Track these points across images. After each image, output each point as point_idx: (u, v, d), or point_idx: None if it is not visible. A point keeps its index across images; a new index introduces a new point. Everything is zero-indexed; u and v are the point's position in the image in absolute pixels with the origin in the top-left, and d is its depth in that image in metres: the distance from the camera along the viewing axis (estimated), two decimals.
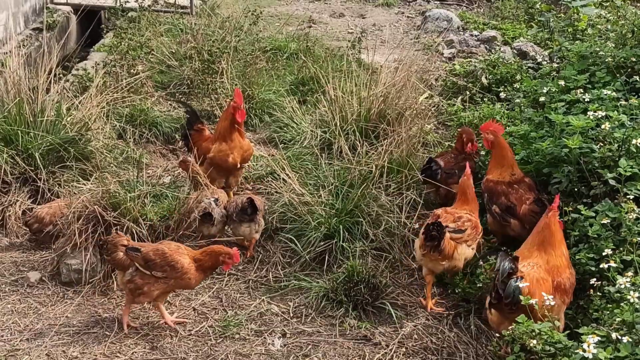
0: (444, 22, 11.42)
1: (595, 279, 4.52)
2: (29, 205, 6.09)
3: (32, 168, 6.15)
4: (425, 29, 11.39)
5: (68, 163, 6.29)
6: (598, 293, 4.43)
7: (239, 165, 6.24)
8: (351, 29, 11.38)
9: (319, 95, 7.58)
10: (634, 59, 6.63)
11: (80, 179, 6.13)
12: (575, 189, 5.39)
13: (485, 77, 8.47)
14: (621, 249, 4.64)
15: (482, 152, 6.25)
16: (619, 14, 8.28)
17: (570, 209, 5.07)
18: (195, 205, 5.68)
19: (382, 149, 6.15)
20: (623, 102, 5.95)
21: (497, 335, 4.49)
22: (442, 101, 8.16)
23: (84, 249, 5.33)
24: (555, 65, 7.94)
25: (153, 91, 8.00)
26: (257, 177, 6.82)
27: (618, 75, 6.54)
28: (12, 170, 6.12)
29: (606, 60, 6.68)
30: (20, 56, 6.78)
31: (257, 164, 6.98)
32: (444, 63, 9.73)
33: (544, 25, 9.35)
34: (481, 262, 5.30)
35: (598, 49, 6.94)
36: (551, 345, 3.93)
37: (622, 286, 4.09)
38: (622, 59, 6.69)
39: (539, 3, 11.02)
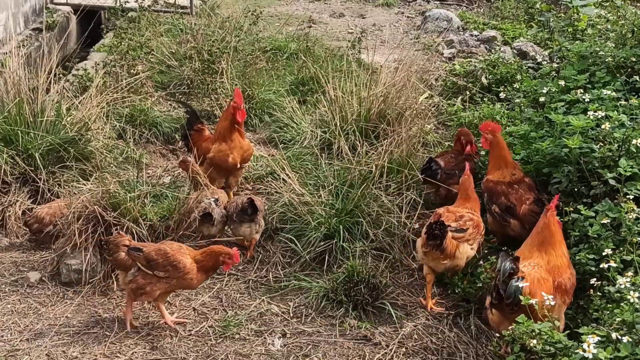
0: (444, 22, 11.42)
1: (595, 279, 4.52)
2: (29, 205, 6.09)
3: (32, 168, 6.15)
4: (425, 29, 11.39)
5: (68, 163, 6.29)
6: (598, 293, 4.43)
7: (238, 166, 6.24)
8: (351, 29, 11.39)
9: (319, 95, 7.58)
10: (634, 59, 6.63)
11: (80, 179, 6.12)
12: (575, 189, 5.39)
13: (485, 77, 8.47)
14: (621, 248, 4.64)
15: (482, 153, 6.24)
16: (619, 14, 8.28)
17: (571, 209, 5.07)
18: (195, 206, 5.68)
19: (382, 149, 6.14)
20: (623, 102, 5.95)
21: (497, 335, 4.49)
22: (442, 101, 8.16)
23: (84, 249, 5.33)
24: (555, 65, 7.94)
25: (153, 91, 7.99)
26: (257, 177, 6.83)
27: (618, 75, 6.54)
28: (12, 171, 6.12)
29: (606, 60, 6.68)
30: (20, 56, 6.79)
31: (257, 164, 6.98)
32: (444, 63, 9.73)
33: (544, 25, 9.35)
34: (482, 262, 5.30)
35: (598, 49, 6.94)
36: (551, 345, 3.93)
37: (622, 286, 4.08)
38: (622, 59, 6.69)
39: (539, 3, 11.02)
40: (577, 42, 7.74)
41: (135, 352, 4.72)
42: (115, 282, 5.32)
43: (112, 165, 6.57)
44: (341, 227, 5.62)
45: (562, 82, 6.57)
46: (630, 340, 3.73)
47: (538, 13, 10.77)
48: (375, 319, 5.12)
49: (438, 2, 13.47)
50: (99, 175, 5.96)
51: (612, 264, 4.44)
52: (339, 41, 10.38)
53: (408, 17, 12.55)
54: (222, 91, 7.96)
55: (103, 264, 5.35)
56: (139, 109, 7.43)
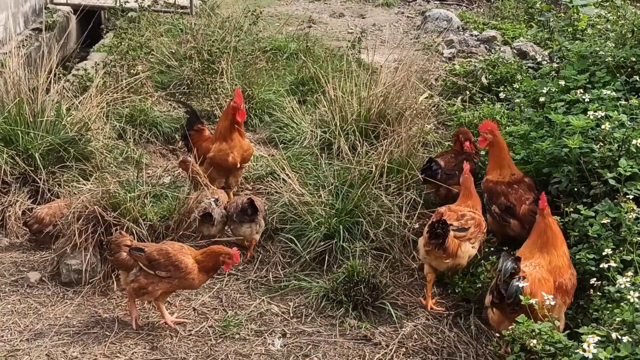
0: (444, 22, 11.42)
1: (595, 279, 4.52)
2: (29, 205, 6.09)
3: (32, 168, 6.15)
4: (425, 29, 11.39)
5: (68, 163, 6.29)
6: (598, 293, 4.43)
7: (239, 165, 6.24)
8: (351, 29, 11.39)
9: (319, 95, 7.58)
10: (634, 59, 6.63)
11: (80, 179, 6.12)
12: (575, 189, 5.39)
13: (485, 77, 8.47)
14: (621, 248, 4.64)
15: (482, 152, 6.25)
16: (618, 13, 8.28)
17: (571, 209, 5.07)
18: (195, 206, 5.68)
19: (382, 149, 6.14)
20: (623, 102, 5.95)
21: (497, 334, 4.49)
22: (442, 101, 8.16)
23: (84, 249, 5.33)
24: (555, 65, 7.94)
25: (153, 91, 7.99)
26: (257, 177, 6.83)
27: (618, 75, 6.53)
28: (12, 171, 6.12)
29: (606, 60, 6.68)
30: (20, 56, 6.78)
31: (257, 164, 6.98)
32: (444, 63, 9.74)
33: (544, 25, 9.36)
34: (483, 262, 5.31)
35: (598, 49, 6.94)
36: (551, 345, 3.93)
37: (622, 286, 4.08)
38: (622, 59, 6.69)
39: (539, 3, 11.03)
40: (577, 42, 7.74)
41: (135, 352, 4.72)
42: (115, 282, 5.32)
43: (112, 165, 6.57)
44: (341, 227, 5.62)
45: (562, 82, 6.57)
46: (630, 340, 3.73)
47: (538, 13, 10.77)
48: (375, 319, 5.12)
49: (438, 2, 13.47)
50: (99, 175, 5.96)
51: (612, 263, 4.43)
52: (339, 41, 10.38)
53: (408, 17, 12.56)
54: (222, 91, 7.96)
55: (103, 264, 5.35)
56: (139, 109, 7.43)
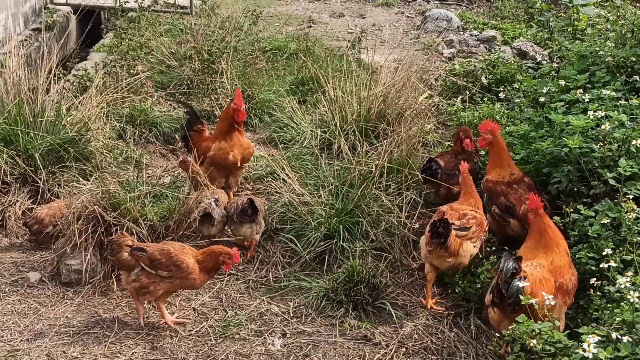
0: (444, 22, 11.42)
1: (595, 279, 4.52)
2: (29, 205, 6.09)
3: (32, 168, 6.15)
4: (425, 28, 11.39)
5: (68, 163, 6.29)
6: (598, 293, 4.43)
7: (239, 164, 6.24)
8: (351, 29, 11.39)
9: (319, 95, 7.58)
10: (634, 59, 6.63)
11: (80, 179, 6.12)
12: (575, 189, 5.39)
13: (485, 77, 8.47)
14: (621, 248, 4.64)
15: (482, 152, 6.25)
16: (618, 13, 8.28)
17: (571, 209, 5.07)
18: (195, 206, 5.68)
19: (382, 149, 6.14)
20: (623, 102, 5.95)
21: (497, 334, 4.49)
22: (442, 101, 8.16)
23: (84, 249, 5.33)
24: (555, 65, 7.94)
25: (153, 91, 8.00)
26: (257, 177, 6.83)
27: (618, 75, 6.53)
28: (12, 171, 6.12)
29: (606, 60, 6.68)
30: (20, 56, 6.78)
31: (257, 164, 6.98)
32: (444, 63, 9.74)
33: (544, 25, 9.36)
34: (483, 261, 5.31)
35: (598, 49, 6.94)
36: (551, 345, 3.93)
37: (622, 286, 4.08)
38: (622, 59, 6.69)
39: (539, 3, 11.03)
40: (577, 42, 7.75)
41: (135, 352, 4.72)
42: (115, 282, 5.32)
43: (112, 165, 6.57)
44: (341, 227, 5.62)
45: (562, 82, 6.56)
46: (630, 340, 3.72)
47: (538, 13, 10.78)
48: (375, 319, 5.12)
49: (438, 2, 13.47)
50: (99, 175, 5.96)
51: (612, 263, 4.43)
52: (338, 41, 10.38)
53: (408, 17, 12.56)
54: (222, 91, 7.96)
55: (103, 264, 5.36)
56: (139, 109, 7.43)
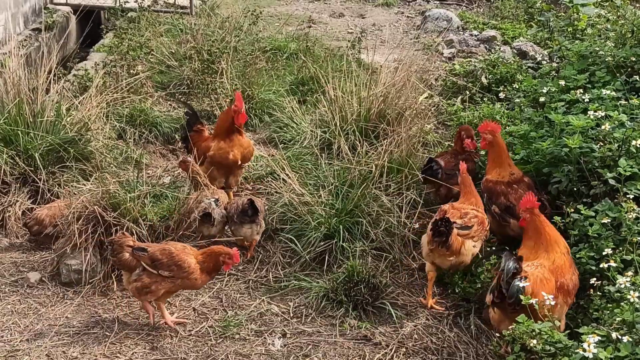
0: (444, 22, 11.42)
1: (595, 279, 4.52)
2: (29, 205, 6.08)
3: (32, 168, 6.15)
4: (425, 28, 11.40)
5: (68, 163, 6.29)
6: (598, 293, 4.43)
7: (239, 163, 6.24)
8: (351, 29, 11.39)
9: (319, 95, 7.58)
10: (634, 59, 6.63)
11: (80, 179, 6.13)
12: (575, 189, 5.39)
13: (485, 77, 8.47)
14: (621, 248, 4.64)
15: (482, 152, 6.24)
16: (618, 13, 8.28)
17: (571, 209, 5.07)
18: (195, 206, 5.68)
19: (382, 149, 6.14)
20: (623, 102, 5.95)
21: (498, 334, 4.49)
22: (442, 101, 8.16)
23: (84, 249, 5.32)
24: (555, 64, 7.94)
25: (153, 91, 8.00)
26: (257, 177, 6.83)
27: (618, 74, 6.53)
28: (12, 171, 6.12)
29: (606, 59, 6.68)
30: (20, 57, 6.78)
31: (257, 164, 6.98)
32: (444, 63, 9.74)
33: (544, 24, 9.36)
34: (483, 261, 5.31)
35: (598, 49, 6.94)
36: (551, 345, 3.93)
37: (622, 286, 4.08)
38: (622, 59, 6.69)
39: (539, 2, 11.03)
40: (577, 41, 7.75)
41: (136, 352, 4.72)
42: (115, 283, 5.32)
43: (112, 165, 6.57)
44: (341, 227, 5.62)
45: (562, 82, 6.57)
46: (630, 339, 3.72)
47: (538, 13, 10.79)
48: (375, 319, 5.12)
49: (438, 2, 13.48)
50: (99, 175, 5.96)
51: (612, 263, 4.43)
52: (338, 41, 10.39)
53: (408, 17, 12.56)
54: (222, 91, 7.96)
55: (103, 264, 5.36)
56: (139, 109, 7.44)
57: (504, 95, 7.86)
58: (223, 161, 6.17)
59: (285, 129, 7.50)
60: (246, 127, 7.28)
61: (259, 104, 7.94)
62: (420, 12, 12.58)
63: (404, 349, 4.82)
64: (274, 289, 5.42)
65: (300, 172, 6.46)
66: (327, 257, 5.55)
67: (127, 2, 9.70)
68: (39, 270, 5.53)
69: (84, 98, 6.82)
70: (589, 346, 3.67)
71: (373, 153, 6.25)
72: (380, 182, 5.96)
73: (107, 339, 4.81)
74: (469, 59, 9.45)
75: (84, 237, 5.33)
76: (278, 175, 6.21)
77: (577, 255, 4.80)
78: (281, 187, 6.05)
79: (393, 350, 4.80)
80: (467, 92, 8.23)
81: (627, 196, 4.92)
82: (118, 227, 5.33)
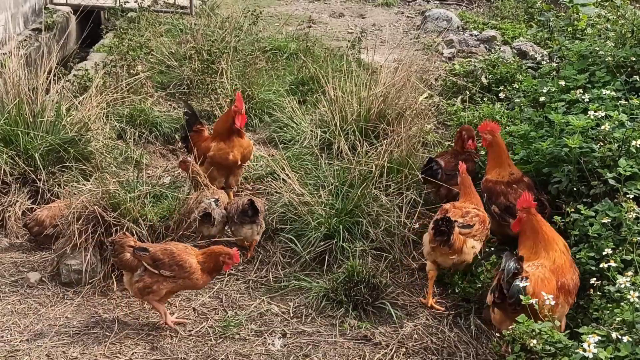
0: (444, 22, 11.42)
1: (595, 279, 4.52)
2: (29, 205, 6.08)
3: (32, 168, 6.15)
4: (425, 28, 11.40)
5: (68, 163, 6.29)
6: (598, 292, 4.43)
7: (239, 163, 6.24)
8: (351, 29, 11.39)
9: (319, 95, 7.58)
10: (634, 59, 6.63)
11: (80, 180, 6.13)
12: (575, 189, 5.39)
13: (485, 77, 8.47)
14: (621, 248, 4.64)
15: (482, 152, 6.25)
16: (618, 13, 8.28)
17: (571, 209, 5.07)
18: (195, 206, 5.68)
19: (382, 149, 6.14)
20: (623, 102, 5.95)
21: (498, 334, 4.49)
22: (442, 101, 8.16)
23: (84, 249, 5.32)
24: (555, 64, 7.94)
25: (153, 91, 8.00)
26: (257, 177, 6.82)
27: (618, 74, 6.53)
28: (12, 171, 6.12)
29: (606, 59, 6.68)
30: (20, 57, 6.79)
31: (257, 164, 6.98)
32: (444, 63, 9.74)
33: (544, 24, 9.36)
34: (483, 262, 5.31)
35: (598, 49, 6.94)
36: (551, 345, 3.93)
37: (622, 286, 4.08)
38: (622, 59, 6.69)
39: (539, 2, 11.03)
40: (577, 41, 7.75)
41: (136, 353, 4.72)
42: (115, 283, 5.31)
43: (112, 165, 6.57)
44: (341, 227, 5.62)
45: (562, 82, 6.57)
46: (630, 339, 3.72)
47: (538, 13, 10.79)
48: (375, 319, 5.12)
49: (438, 2, 13.48)
50: (99, 175, 5.96)
51: (612, 263, 4.43)
52: (338, 41, 10.39)
53: (408, 17, 12.56)
54: (221, 91, 7.96)
55: (103, 264, 5.35)
56: (139, 109, 7.44)
57: (504, 95, 7.86)
58: (223, 162, 6.18)
59: (285, 129, 7.50)
60: (246, 127, 7.26)
61: (259, 104, 7.94)
62: (420, 12, 12.58)
63: (404, 349, 4.82)
64: (274, 289, 5.42)
65: (300, 172, 6.46)
66: (327, 257, 5.55)
67: (127, 2, 9.71)
68: (39, 271, 5.53)
69: (84, 98, 6.82)
70: (589, 346, 3.67)
71: (373, 153, 6.25)
72: (380, 182, 5.96)
73: (107, 339, 4.81)
74: (469, 59, 9.45)
75: (84, 237, 5.33)
76: (278, 175, 6.21)
77: (577, 256, 4.80)
78: (281, 187, 6.05)
79: (393, 350, 4.80)
80: (467, 92, 8.23)
81: (627, 196, 4.92)
82: (118, 227, 5.33)
